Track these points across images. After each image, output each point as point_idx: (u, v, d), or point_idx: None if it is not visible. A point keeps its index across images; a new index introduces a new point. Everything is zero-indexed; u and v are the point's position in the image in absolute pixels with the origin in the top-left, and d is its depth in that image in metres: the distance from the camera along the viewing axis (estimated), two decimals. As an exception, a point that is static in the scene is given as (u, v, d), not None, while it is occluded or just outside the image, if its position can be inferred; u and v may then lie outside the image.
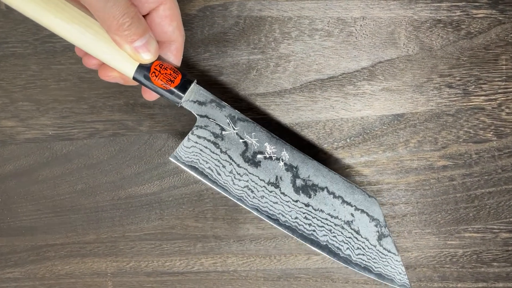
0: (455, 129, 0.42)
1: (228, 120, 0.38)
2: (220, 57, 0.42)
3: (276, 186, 0.37)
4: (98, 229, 0.43)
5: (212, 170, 0.38)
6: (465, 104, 0.42)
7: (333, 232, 0.38)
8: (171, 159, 0.38)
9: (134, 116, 0.43)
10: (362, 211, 0.37)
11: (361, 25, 0.42)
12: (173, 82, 0.36)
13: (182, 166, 0.38)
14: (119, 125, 0.43)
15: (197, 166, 0.38)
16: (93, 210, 0.43)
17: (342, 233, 0.37)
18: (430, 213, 0.43)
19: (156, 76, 0.35)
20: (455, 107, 0.42)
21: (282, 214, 0.37)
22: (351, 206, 0.37)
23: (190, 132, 0.38)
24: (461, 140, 0.42)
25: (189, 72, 0.42)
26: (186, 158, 0.38)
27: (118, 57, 0.35)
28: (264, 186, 0.37)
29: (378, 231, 0.37)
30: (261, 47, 0.42)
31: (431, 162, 0.42)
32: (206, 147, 0.38)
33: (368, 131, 0.42)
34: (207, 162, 0.38)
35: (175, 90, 0.36)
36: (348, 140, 0.42)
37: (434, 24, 0.41)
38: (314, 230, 0.37)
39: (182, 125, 0.43)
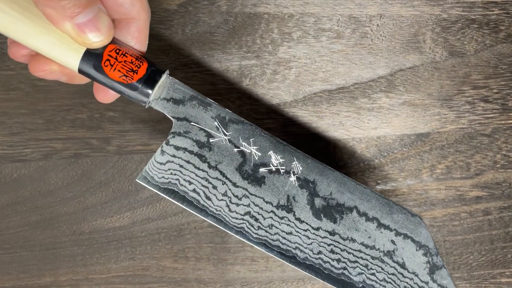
0: (491, 153, 0.39)
1: (216, 123, 0.30)
2: (206, 62, 0.38)
3: (289, 209, 0.30)
4: (56, 270, 0.39)
5: (198, 194, 0.30)
6: (503, 122, 0.39)
7: (371, 268, 0.30)
8: (138, 181, 0.30)
9: (100, 133, 0.38)
10: (406, 236, 0.30)
11: (378, 25, 0.38)
12: (136, 73, 0.28)
13: (155, 190, 0.30)
14: (81, 144, 0.38)
15: (176, 189, 0.30)
16: (50, 246, 0.39)
17: (382, 268, 0.30)
18: (460, 254, 0.39)
19: (112, 66, 0.27)
20: (492, 126, 0.38)
21: (299, 249, 0.30)
22: (391, 230, 0.30)
23: (165, 142, 0.30)
24: (498, 165, 0.39)
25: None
26: (161, 178, 0.30)
27: (55, 42, 0.27)
28: (272, 211, 0.30)
29: (428, 262, 0.30)
30: (256, 50, 0.38)
31: (462, 192, 0.39)
32: (188, 162, 0.30)
33: (386, 154, 0.38)
34: (190, 183, 0.30)
35: (139, 85, 0.28)
36: (361, 164, 0.38)
37: (467, 25, 0.38)
38: (345, 268, 0.30)
39: (159, 144, 0.37)
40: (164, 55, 0.38)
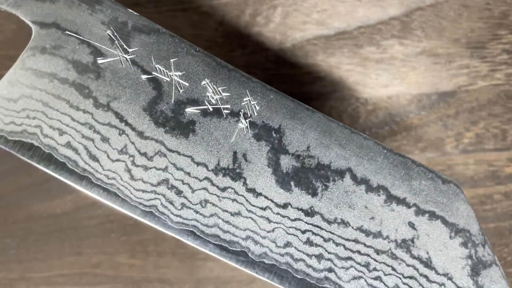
0: (534, 117, 0.34)
1: (110, 32, 0.22)
2: (165, 0, 0.34)
3: (236, 175, 0.22)
4: (-15, 267, 0.36)
5: (76, 151, 0.22)
6: (551, 76, 0.34)
7: (375, 269, 0.22)
8: None
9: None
10: (433, 214, 0.23)
11: (389, -51, 0.34)
12: None
13: None
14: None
15: (36, 143, 0.22)
16: (-24, 238, 0.36)
17: (394, 268, 0.22)
18: (492, 246, 0.34)
19: None
20: (536, 82, 0.34)
21: (253, 240, 0.22)
22: (408, 206, 0.23)
23: (17, 62, 0.22)
24: (543, 133, 0.34)
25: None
26: (9, 124, 0.22)
27: None
28: (206, 179, 0.22)
29: (470, 256, 0.23)
30: (230, -16, 0.33)
31: (496, 168, 0.35)
32: (59, 97, 0.22)
33: (399, 119, 0.35)
34: (62, 132, 0.22)
35: None
36: (367, 132, 0.35)
37: None
38: (330, 269, 0.22)
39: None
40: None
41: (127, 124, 0.21)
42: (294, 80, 0.34)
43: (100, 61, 0.22)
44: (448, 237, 0.23)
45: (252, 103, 0.22)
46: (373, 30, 0.35)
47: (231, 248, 0.21)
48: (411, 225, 0.23)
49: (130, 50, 0.22)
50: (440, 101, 0.35)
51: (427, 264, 0.22)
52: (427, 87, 0.35)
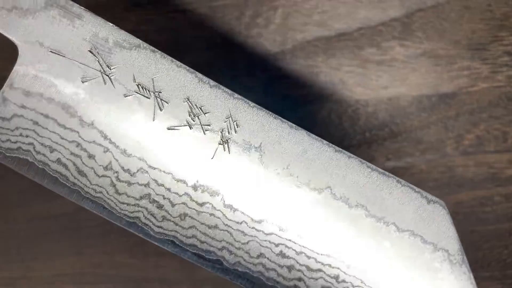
0: (535, 119, 0.35)
1: (91, 49, 0.23)
2: (165, 1, 0.34)
3: (214, 192, 0.24)
4: (-13, 267, 0.37)
5: (65, 166, 0.23)
6: (553, 78, 0.35)
7: (343, 281, 0.24)
8: None
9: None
10: (412, 233, 0.24)
11: None
12: None
13: None
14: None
15: (31, 159, 0.23)
16: (-22, 238, 0.37)
17: (363, 282, 0.23)
18: (491, 248, 0.35)
19: None
20: (538, 84, 0.35)
21: (229, 250, 0.24)
22: (387, 224, 0.24)
23: (7, 83, 0.23)
24: (544, 135, 0.35)
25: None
26: (5, 142, 0.23)
27: None
28: (186, 194, 0.24)
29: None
30: (230, -15, 0.34)
31: (496, 170, 0.35)
32: (47, 116, 0.23)
33: (399, 120, 0.35)
34: (52, 149, 0.23)
35: None
36: (367, 134, 0.35)
37: None
38: (300, 279, 0.23)
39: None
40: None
41: (110, 141, 0.23)
42: (294, 81, 0.35)
43: (83, 79, 0.23)
44: (428, 256, 0.24)
45: (233, 120, 0.23)
46: (374, 32, 0.35)
47: (207, 257, 0.23)
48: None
49: (111, 67, 0.23)
50: (440, 102, 0.35)
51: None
52: (427, 88, 0.35)
